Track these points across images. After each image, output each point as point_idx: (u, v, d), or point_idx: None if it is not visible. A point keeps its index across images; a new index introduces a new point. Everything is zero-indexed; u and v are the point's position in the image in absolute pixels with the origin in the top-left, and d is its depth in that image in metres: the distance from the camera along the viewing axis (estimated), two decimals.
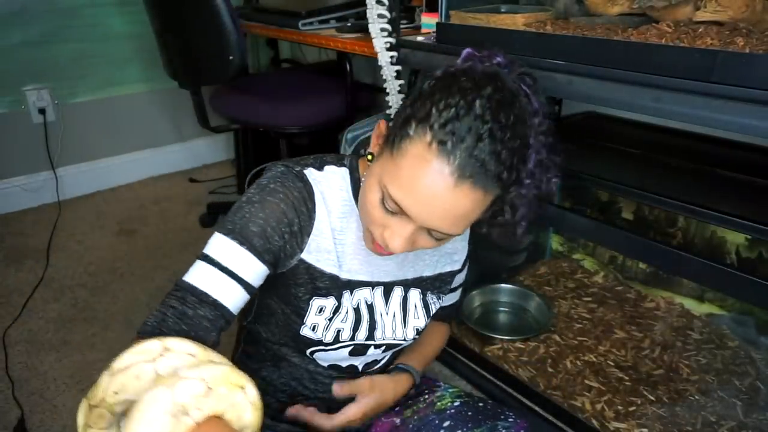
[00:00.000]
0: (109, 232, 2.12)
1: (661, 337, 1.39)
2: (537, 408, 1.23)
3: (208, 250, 0.68)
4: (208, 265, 0.66)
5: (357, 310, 0.78)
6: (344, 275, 0.76)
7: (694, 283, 1.45)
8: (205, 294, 0.65)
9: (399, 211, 0.62)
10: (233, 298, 0.67)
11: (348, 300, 0.77)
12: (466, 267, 0.93)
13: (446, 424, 0.78)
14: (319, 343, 0.77)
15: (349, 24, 1.52)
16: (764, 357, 1.30)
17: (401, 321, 0.82)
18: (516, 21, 1.04)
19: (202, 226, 2.15)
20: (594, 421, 1.18)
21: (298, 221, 0.70)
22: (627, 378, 1.28)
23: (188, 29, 1.63)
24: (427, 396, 0.87)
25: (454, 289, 0.95)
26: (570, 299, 1.56)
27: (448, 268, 0.87)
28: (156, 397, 0.46)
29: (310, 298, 0.75)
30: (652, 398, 1.22)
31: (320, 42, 1.54)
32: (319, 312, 0.76)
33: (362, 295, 0.79)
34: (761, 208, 0.97)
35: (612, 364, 1.32)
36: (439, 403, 0.84)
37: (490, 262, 1.68)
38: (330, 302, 0.76)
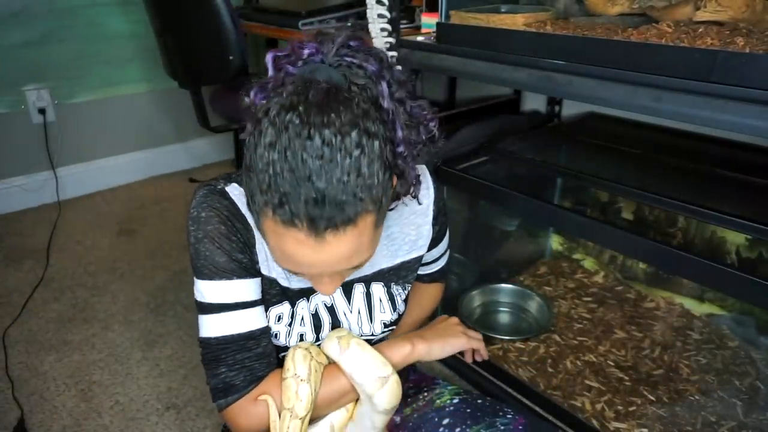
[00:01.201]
0: (109, 232, 2.12)
1: (661, 337, 1.39)
2: (537, 408, 1.23)
3: (209, 298, 0.69)
4: (224, 312, 0.69)
5: (316, 315, 0.78)
6: (295, 284, 0.76)
7: (694, 283, 1.45)
8: (250, 332, 0.70)
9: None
10: (264, 316, 0.73)
11: (304, 308, 0.77)
12: (446, 236, 0.89)
13: (445, 421, 0.79)
14: (286, 348, 0.77)
15: (349, 24, 1.52)
16: (764, 357, 1.30)
17: (367, 317, 0.81)
18: (516, 21, 1.04)
19: None
20: (594, 421, 1.18)
21: (241, 235, 0.70)
22: (627, 378, 1.28)
23: (188, 29, 1.64)
24: (426, 393, 0.87)
25: (435, 260, 0.91)
26: (570, 299, 1.56)
27: (411, 255, 0.83)
28: (360, 348, 0.71)
29: (267, 310, 0.76)
30: (652, 398, 1.22)
31: None
32: (278, 320, 0.76)
33: (320, 299, 0.78)
34: (761, 208, 0.97)
35: (612, 364, 1.32)
36: (438, 401, 0.84)
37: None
38: (286, 308, 0.76)
